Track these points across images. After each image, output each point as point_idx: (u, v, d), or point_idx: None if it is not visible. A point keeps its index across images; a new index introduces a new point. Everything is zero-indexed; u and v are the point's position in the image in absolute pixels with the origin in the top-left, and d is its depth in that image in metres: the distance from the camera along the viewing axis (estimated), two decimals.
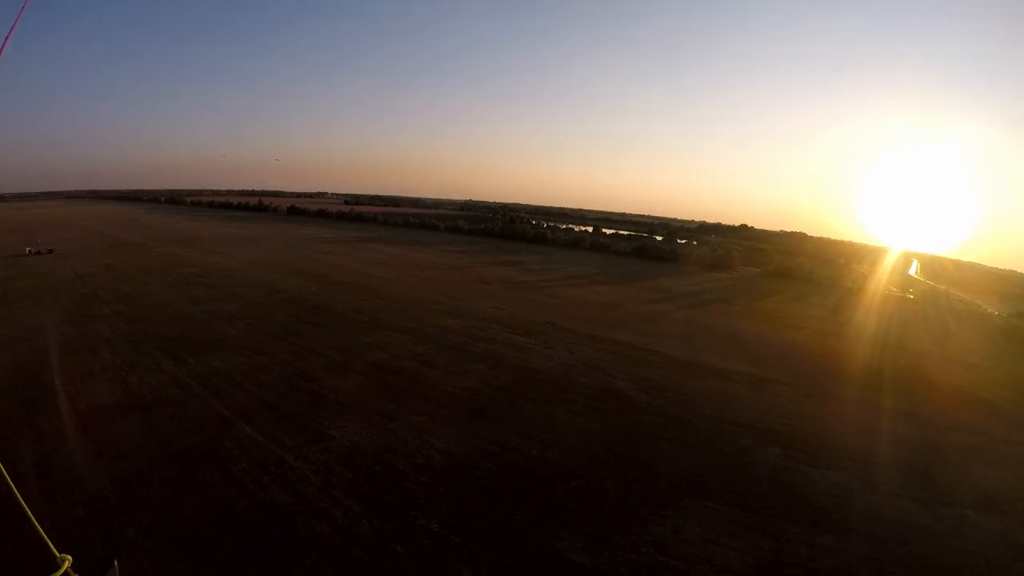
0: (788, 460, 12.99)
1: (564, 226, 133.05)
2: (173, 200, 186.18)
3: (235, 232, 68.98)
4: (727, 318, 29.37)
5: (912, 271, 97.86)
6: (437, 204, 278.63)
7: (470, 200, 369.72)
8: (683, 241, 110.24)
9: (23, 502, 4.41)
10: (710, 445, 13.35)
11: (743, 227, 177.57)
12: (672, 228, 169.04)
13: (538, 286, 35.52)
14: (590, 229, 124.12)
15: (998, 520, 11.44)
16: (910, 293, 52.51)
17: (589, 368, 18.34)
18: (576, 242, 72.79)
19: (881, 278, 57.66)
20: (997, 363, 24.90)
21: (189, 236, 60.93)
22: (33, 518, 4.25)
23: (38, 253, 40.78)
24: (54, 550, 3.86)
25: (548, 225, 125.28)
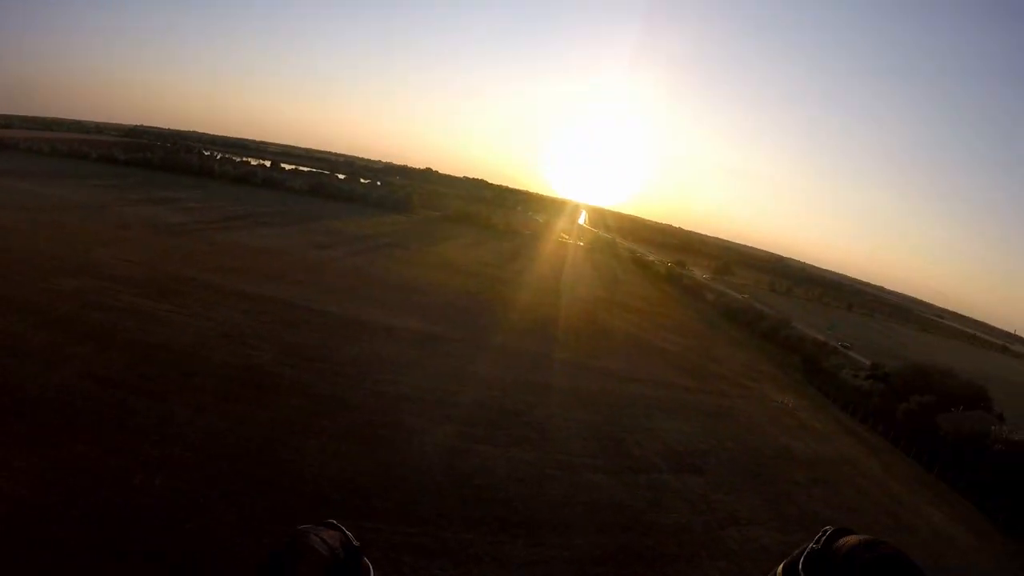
0: (465, 440, 13.59)
1: (240, 159, 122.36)
2: None
3: None
4: (401, 265, 31.05)
5: (582, 221, 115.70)
6: (99, 129, 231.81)
7: (139, 126, 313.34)
8: (366, 181, 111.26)
9: None
10: (371, 433, 12.76)
11: (428, 171, 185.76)
12: (357, 167, 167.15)
13: (190, 229, 33.16)
14: (268, 163, 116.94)
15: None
16: (581, 241, 62.42)
17: (228, 339, 17.15)
18: (246, 177, 68.55)
19: (555, 226, 67.00)
20: (664, 309, 30.72)
21: None
22: None
23: None
24: None
25: (220, 157, 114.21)
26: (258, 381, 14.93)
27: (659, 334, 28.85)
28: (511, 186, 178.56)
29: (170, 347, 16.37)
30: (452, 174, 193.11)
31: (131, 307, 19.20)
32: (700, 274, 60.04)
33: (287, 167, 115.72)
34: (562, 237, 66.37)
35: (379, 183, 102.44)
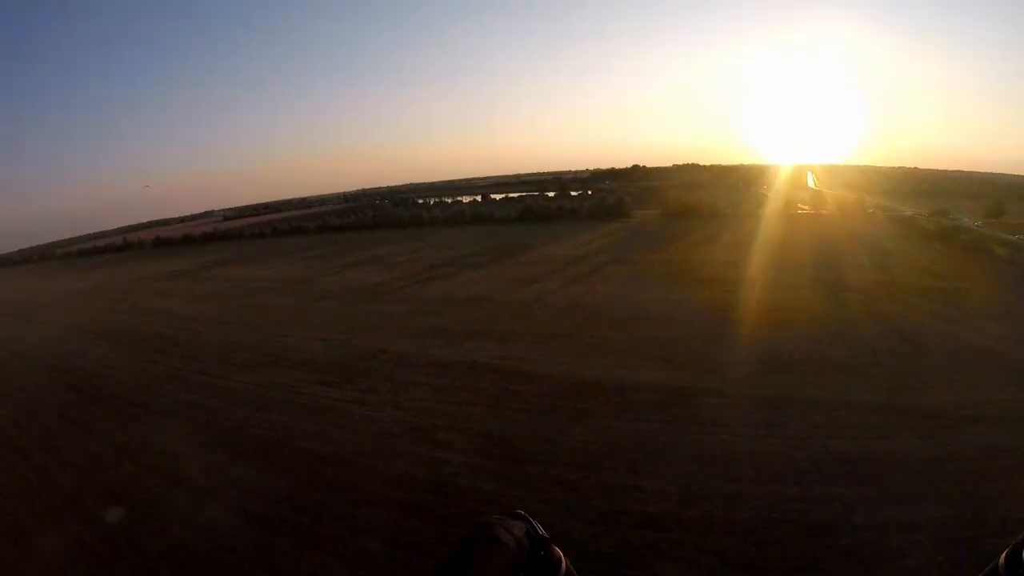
0: None
1: (451, 200, 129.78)
2: (44, 257, 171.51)
3: (78, 287, 61.77)
4: (623, 286, 26.27)
5: (811, 183, 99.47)
6: (323, 201, 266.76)
7: (362, 190, 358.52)
8: (575, 194, 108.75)
9: None
10: None
11: (635, 168, 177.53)
12: (565, 181, 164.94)
13: (391, 288, 32.01)
14: (478, 199, 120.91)
15: None
16: (821, 208, 51.99)
17: (414, 435, 13.92)
18: (455, 218, 69.40)
19: (786, 197, 57.02)
20: (961, 283, 22.64)
21: (23, 302, 53.98)
22: None
23: None
24: None
25: (432, 202, 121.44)
26: (444, 509, 10.82)
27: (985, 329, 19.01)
28: (725, 164, 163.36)
29: (342, 457, 13.30)
30: (661, 166, 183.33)
31: (311, 401, 16.91)
32: (971, 221, 45.31)
33: (497, 197, 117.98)
34: (799, 208, 55.18)
35: (589, 192, 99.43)
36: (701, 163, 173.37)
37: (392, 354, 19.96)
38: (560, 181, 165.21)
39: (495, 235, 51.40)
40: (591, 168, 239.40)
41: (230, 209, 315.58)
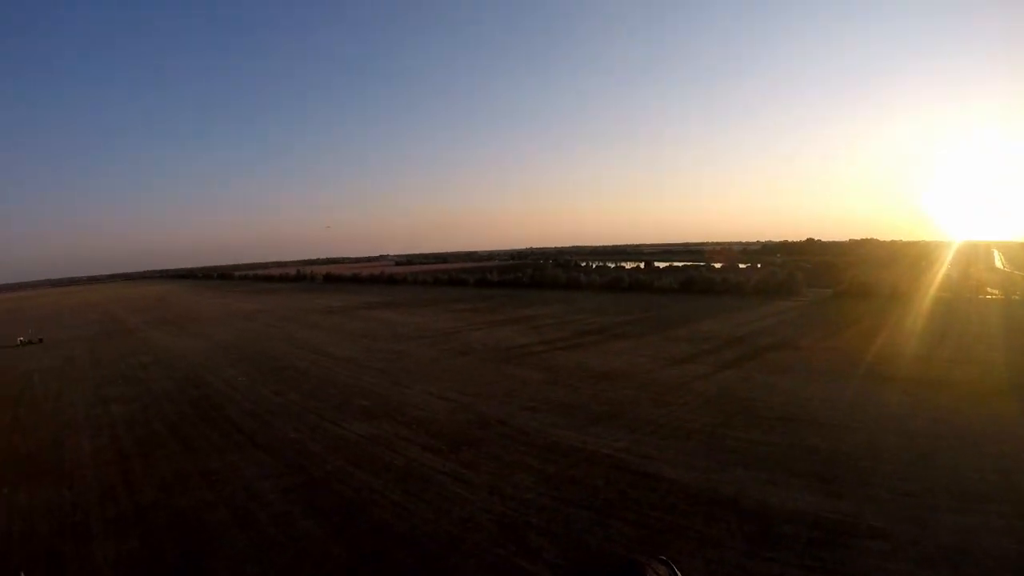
0: None
1: (613, 265, 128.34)
2: (224, 276, 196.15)
3: (242, 307, 68.97)
4: (784, 378, 21.57)
5: (999, 263, 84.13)
6: (491, 256, 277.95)
7: (530, 248, 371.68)
8: (743, 266, 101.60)
9: None
10: None
11: (809, 242, 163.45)
12: (733, 252, 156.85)
13: (532, 351, 29.66)
14: (641, 265, 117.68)
15: None
16: (1013, 293, 43.02)
17: (502, 530, 11.26)
18: (613, 284, 65.99)
19: (974, 278, 48.18)
20: None
21: (192, 316, 61.47)
22: None
23: (30, 343, 45.25)
24: None
25: (595, 265, 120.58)
26: None
27: None
28: (905, 239, 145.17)
29: (414, 539, 11.03)
30: (836, 240, 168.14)
31: (409, 467, 14.80)
32: None
33: (660, 265, 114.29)
34: (987, 292, 46.03)
35: (758, 265, 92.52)
36: (880, 238, 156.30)
37: (510, 427, 17.30)
38: (729, 251, 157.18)
39: (652, 305, 47.65)
40: (762, 240, 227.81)
41: (402, 255, 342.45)
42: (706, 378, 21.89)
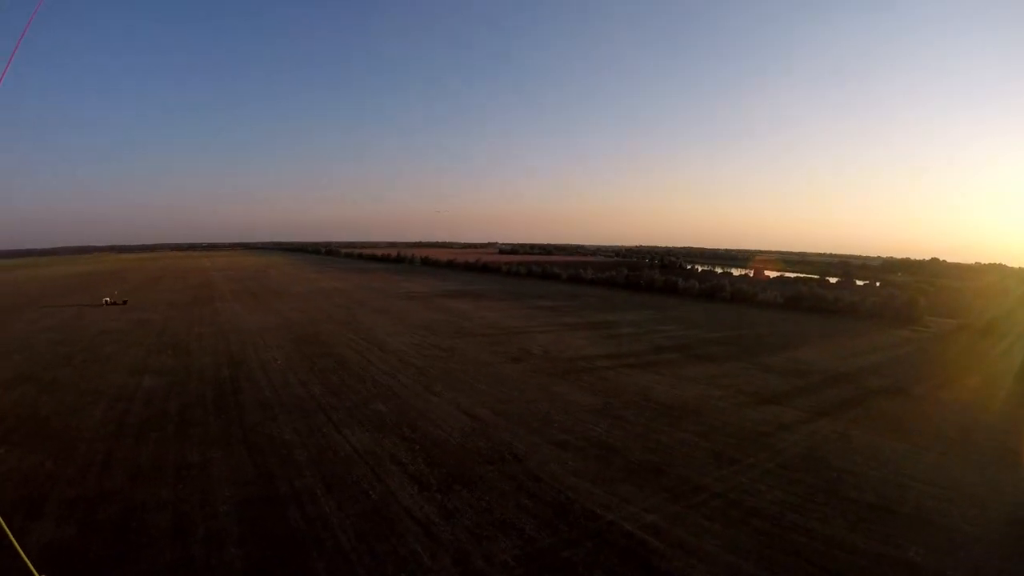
0: None
1: (720, 270, 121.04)
2: (330, 252, 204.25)
3: (330, 285, 70.07)
4: (893, 438, 16.63)
5: None
6: (597, 251, 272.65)
7: (638, 246, 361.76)
8: (861, 283, 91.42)
9: (5, 526, 6.62)
10: None
11: (934, 262, 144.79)
12: (851, 268, 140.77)
13: (593, 367, 26.11)
14: (750, 273, 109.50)
15: None
16: None
17: None
18: (712, 292, 60.14)
19: None
20: None
21: (276, 290, 63.09)
22: (14, 540, 6.36)
23: (114, 304, 47.91)
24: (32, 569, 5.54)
25: (700, 270, 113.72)
26: None
27: None
28: None
29: None
30: (963, 262, 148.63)
31: (381, 503, 12.34)
32: None
33: (771, 274, 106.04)
34: None
35: (876, 284, 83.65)
36: (1009, 264, 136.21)
37: (524, 467, 14.24)
38: (846, 266, 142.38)
39: (748, 322, 42.52)
40: (883, 255, 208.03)
41: (509, 244, 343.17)
42: (792, 429, 17.74)
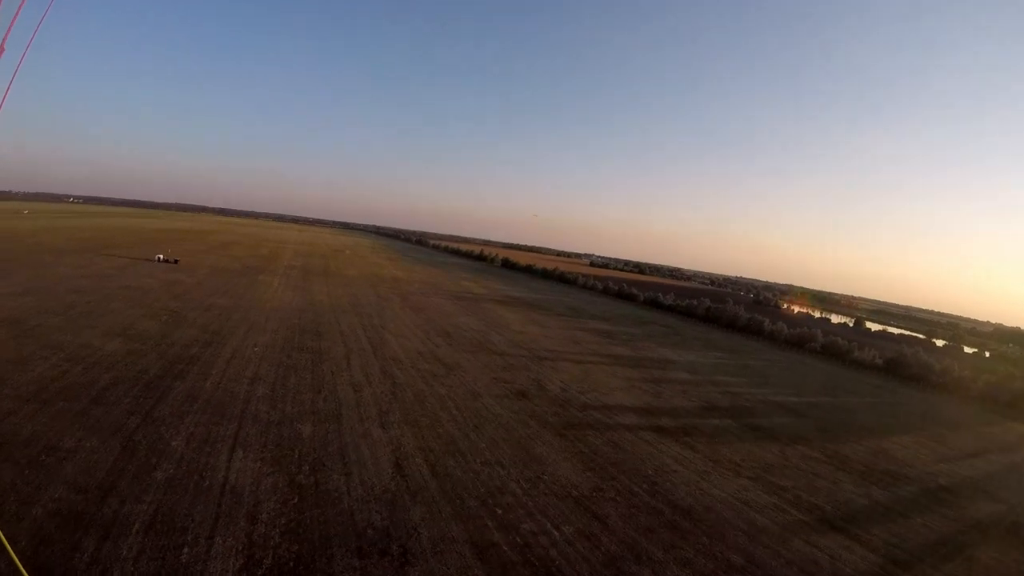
0: None
1: (818, 314, 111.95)
2: (420, 242, 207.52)
3: (389, 273, 69.73)
4: None
5: None
6: (693, 276, 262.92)
7: (737, 276, 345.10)
8: (970, 351, 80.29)
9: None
10: None
11: None
12: (960, 332, 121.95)
13: (612, 424, 20.61)
14: (850, 323, 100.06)
15: None
16: None
17: None
18: (802, 340, 52.75)
19: None
20: None
21: (333, 271, 63.65)
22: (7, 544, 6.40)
23: (166, 261, 48.36)
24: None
25: (796, 311, 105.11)
26: None
27: None
28: None
29: None
30: None
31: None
32: None
33: (873, 327, 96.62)
34: None
35: (986, 355, 74.07)
36: None
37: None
38: (954, 330, 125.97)
39: (835, 385, 35.83)
40: (993, 321, 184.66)
41: (603, 258, 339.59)
42: (869, 570, 12.84)
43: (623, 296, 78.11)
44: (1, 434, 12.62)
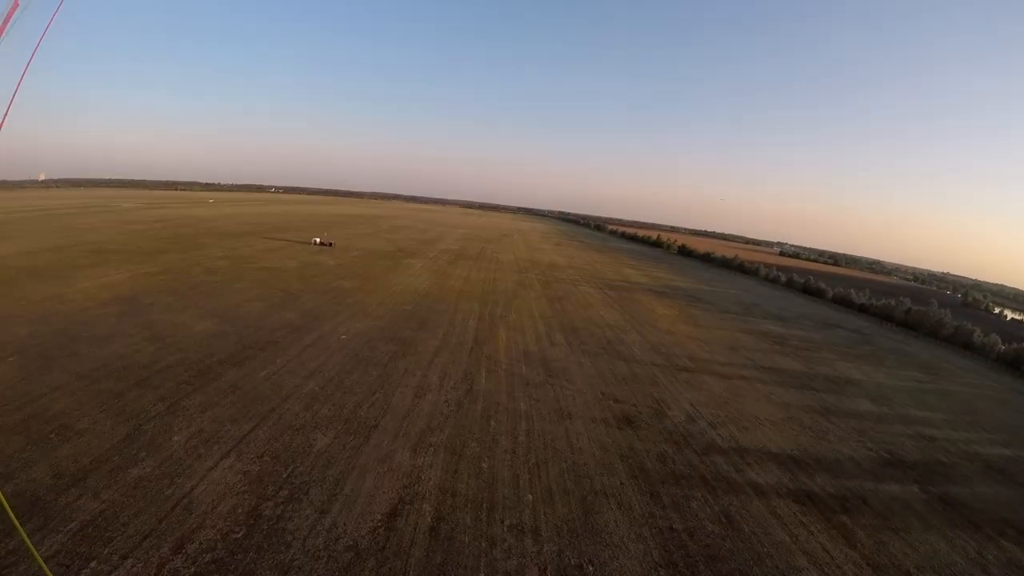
0: None
1: None
2: (598, 227, 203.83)
3: (548, 259, 67.08)
4: None
5: None
6: (895, 270, 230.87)
7: (943, 272, 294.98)
8: None
9: (25, 535, 6.93)
10: None
11: None
12: None
13: (732, 477, 14.91)
14: None
15: None
16: None
17: None
18: (1019, 360, 40.40)
19: None
20: None
21: (488, 256, 62.69)
22: (33, 549, 6.60)
23: (322, 244, 50.36)
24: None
25: (1011, 317, 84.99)
26: None
27: None
28: None
29: None
30: None
31: None
32: None
33: None
34: None
35: None
36: None
37: None
38: None
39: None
40: None
41: (794, 246, 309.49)
42: None
43: (809, 291, 67.12)
44: (35, 407, 12.94)
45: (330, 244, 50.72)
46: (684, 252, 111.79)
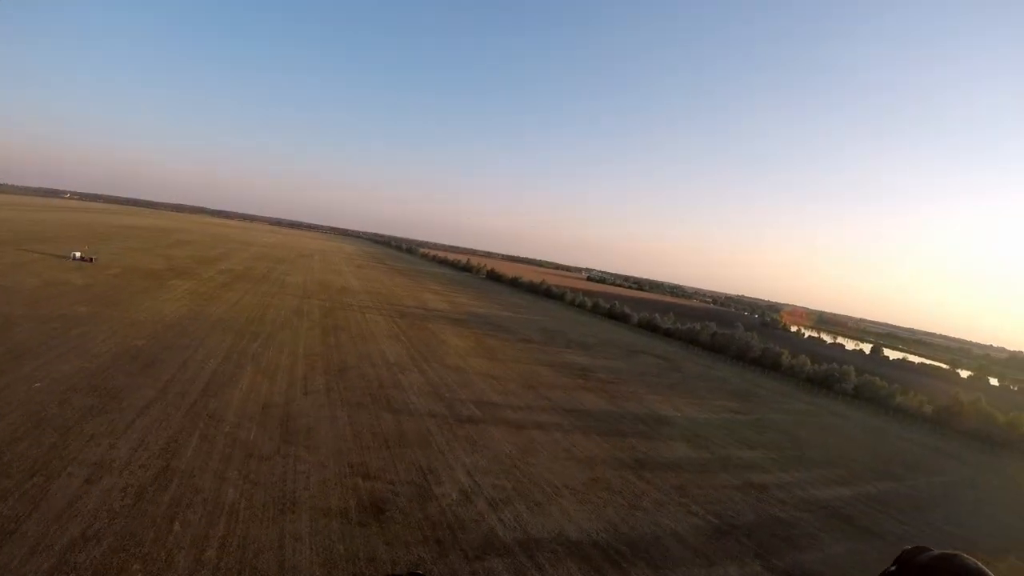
0: None
1: (829, 339, 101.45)
2: (410, 250, 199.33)
3: (343, 283, 61.12)
4: None
5: None
6: (695, 294, 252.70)
7: (739, 295, 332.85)
8: (995, 381, 70.70)
9: None
10: None
11: None
12: (991, 362, 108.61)
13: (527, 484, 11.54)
14: (865, 349, 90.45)
15: None
16: None
17: None
18: (829, 380, 42.40)
19: None
20: None
21: (276, 278, 54.96)
22: None
23: (82, 259, 43.16)
24: None
25: (831, 341, 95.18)
26: None
27: None
28: None
29: None
30: None
31: None
32: None
33: (891, 355, 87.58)
34: None
35: (1013, 388, 66.17)
36: None
37: None
38: (968, 355, 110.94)
39: (890, 456, 26.03)
40: (1008, 348, 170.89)
41: (601, 272, 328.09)
42: None
43: (614, 316, 67.60)
44: None
45: (91, 260, 42.60)
46: (493, 277, 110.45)
